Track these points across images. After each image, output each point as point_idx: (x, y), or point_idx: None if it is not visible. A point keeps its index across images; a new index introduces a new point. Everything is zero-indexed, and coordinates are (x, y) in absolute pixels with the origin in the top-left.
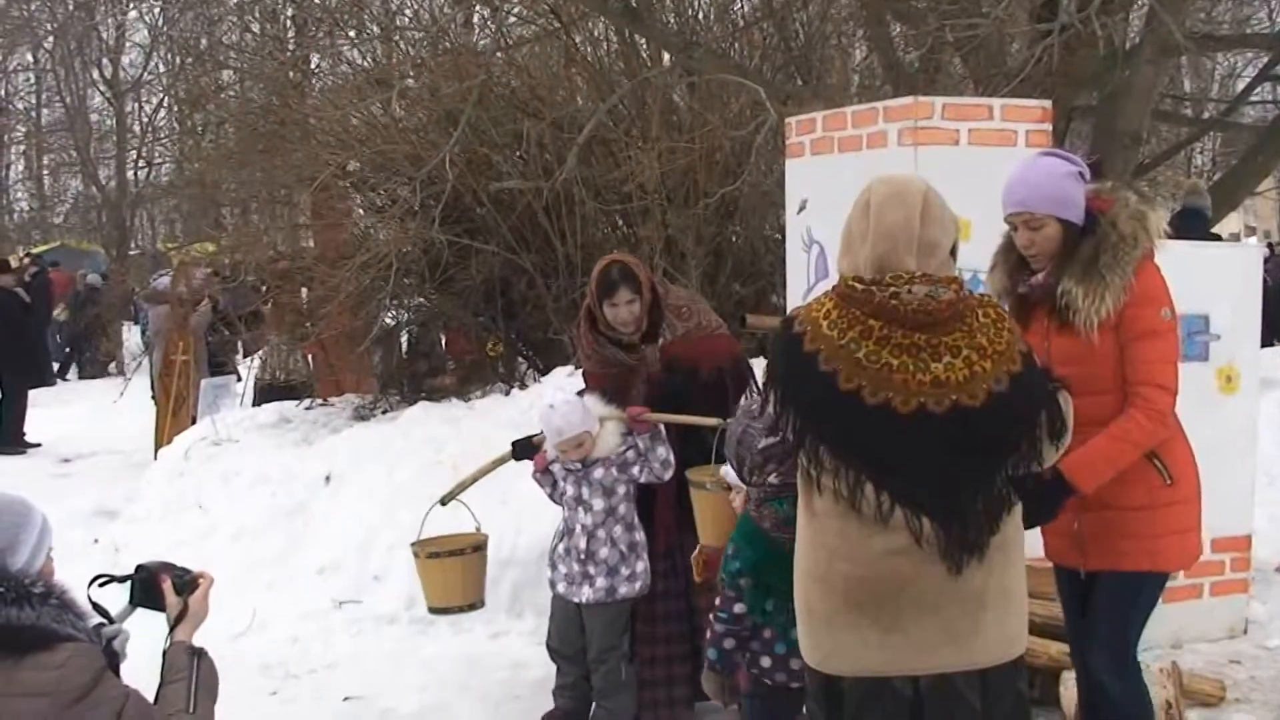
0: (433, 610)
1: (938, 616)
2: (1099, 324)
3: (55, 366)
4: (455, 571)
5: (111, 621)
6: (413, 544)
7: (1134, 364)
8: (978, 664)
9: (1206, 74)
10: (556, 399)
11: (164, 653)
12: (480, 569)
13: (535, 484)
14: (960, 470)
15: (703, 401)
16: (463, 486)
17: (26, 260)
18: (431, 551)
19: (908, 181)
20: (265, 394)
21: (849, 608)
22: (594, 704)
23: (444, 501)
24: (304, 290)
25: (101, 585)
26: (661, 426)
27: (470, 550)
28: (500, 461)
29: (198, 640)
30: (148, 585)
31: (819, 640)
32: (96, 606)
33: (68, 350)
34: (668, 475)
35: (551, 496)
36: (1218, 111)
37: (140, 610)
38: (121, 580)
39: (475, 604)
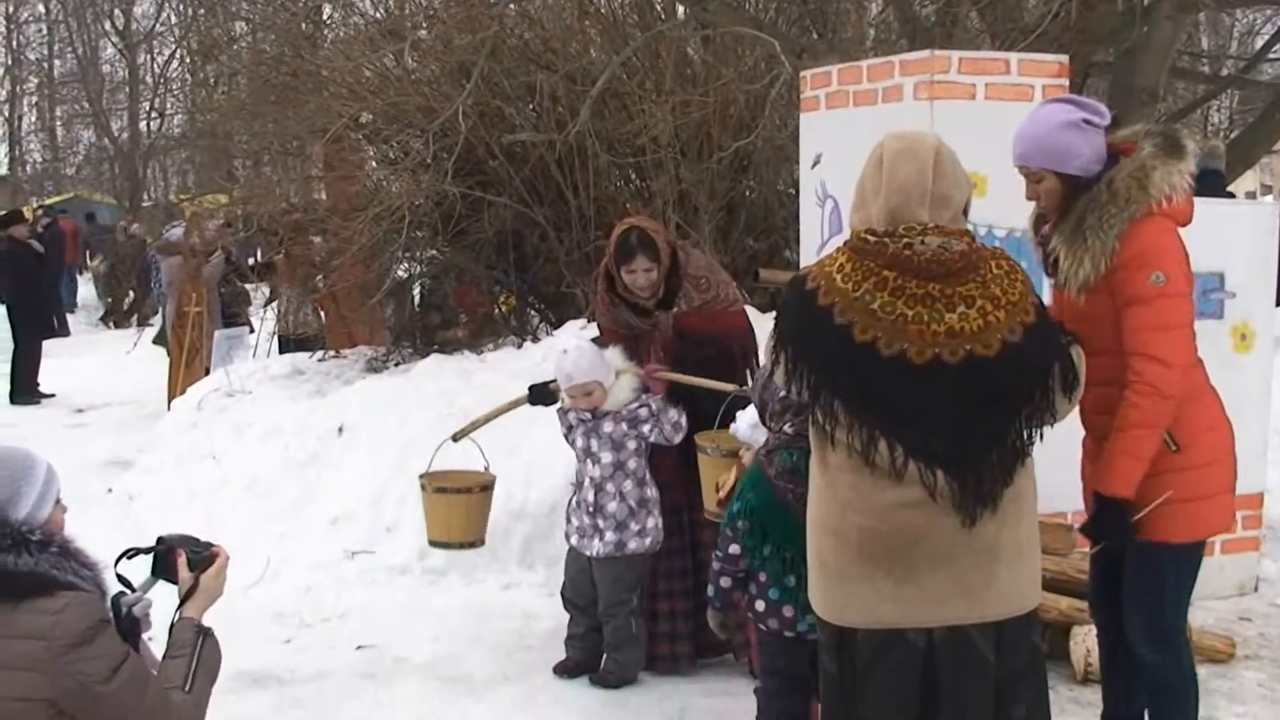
0: (432, 544)
1: (951, 569)
2: (1079, 286)
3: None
4: (459, 508)
5: (133, 590)
6: (421, 475)
7: (1125, 332)
8: (990, 616)
9: (1225, 31)
10: (570, 344)
11: (171, 627)
12: (484, 509)
13: (546, 436)
14: (974, 421)
15: (712, 374)
16: (476, 425)
17: (40, 212)
18: (439, 486)
19: (920, 137)
20: (288, 343)
21: (862, 559)
22: (604, 656)
23: (456, 438)
24: (316, 240)
25: (130, 559)
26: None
27: (477, 489)
28: (516, 404)
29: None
30: (164, 558)
31: (832, 593)
32: (120, 577)
33: (109, 301)
34: (678, 438)
35: (567, 438)
36: (1236, 69)
37: (162, 583)
38: (146, 552)
39: (475, 543)
